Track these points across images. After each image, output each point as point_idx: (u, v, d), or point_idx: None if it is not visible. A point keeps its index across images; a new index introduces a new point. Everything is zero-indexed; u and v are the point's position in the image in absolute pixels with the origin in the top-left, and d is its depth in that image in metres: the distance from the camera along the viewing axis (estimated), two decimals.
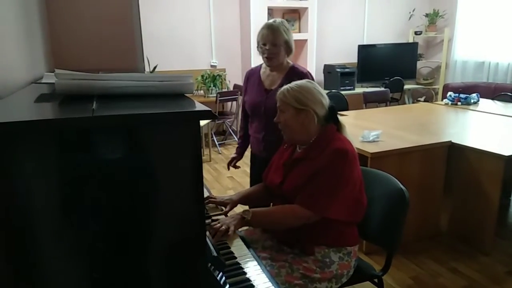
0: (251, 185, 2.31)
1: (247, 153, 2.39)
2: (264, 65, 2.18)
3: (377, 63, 6.14)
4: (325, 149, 1.51)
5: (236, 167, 2.38)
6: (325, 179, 1.47)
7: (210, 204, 1.72)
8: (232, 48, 5.61)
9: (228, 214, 1.60)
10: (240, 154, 2.36)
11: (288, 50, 2.07)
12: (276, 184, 1.62)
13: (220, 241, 1.42)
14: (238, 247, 1.40)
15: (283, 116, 1.57)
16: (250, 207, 2.34)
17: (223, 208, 1.68)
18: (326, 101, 1.59)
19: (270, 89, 2.11)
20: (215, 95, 4.87)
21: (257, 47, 2.11)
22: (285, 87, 1.59)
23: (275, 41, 2.00)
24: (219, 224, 1.42)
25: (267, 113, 2.07)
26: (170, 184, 0.86)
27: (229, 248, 1.39)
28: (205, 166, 4.58)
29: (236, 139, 4.98)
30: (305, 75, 2.07)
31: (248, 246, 1.42)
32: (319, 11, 5.71)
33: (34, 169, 0.75)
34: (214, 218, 1.58)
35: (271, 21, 2.07)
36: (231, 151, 2.47)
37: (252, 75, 2.23)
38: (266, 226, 1.62)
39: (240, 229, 1.51)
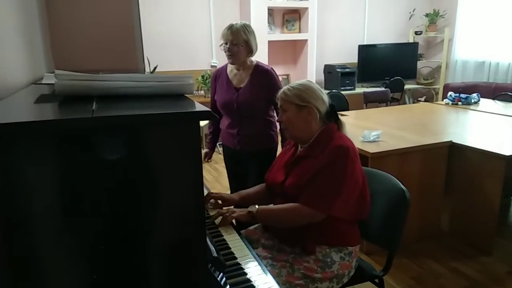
0: (228, 177, 2.54)
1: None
2: (230, 65, 2.29)
3: (378, 63, 6.14)
4: (327, 147, 1.53)
5: (210, 159, 2.67)
6: (328, 178, 1.49)
7: (211, 202, 1.74)
8: None
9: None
10: (211, 149, 2.65)
11: (249, 50, 2.19)
12: (279, 182, 1.63)
13: (220, 241, 1.42)
14: (238, 248, 1.40)
15: (285, 114, 1.62)
16: None
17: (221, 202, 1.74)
18: (327, 98, 1.64)
19: (239, 87, 2.24)
20: None
21: (219, 45, 2.24)
22: (285, 87, 1.64)
23: (234, 40, 2.13)
24: (225, 210, 1.56)
25: (240, 109, 2.23)
26: (170, 184, 0.86)
27: (230, 248, 1.39)
28: (205, 166, 4.58)
29: None
30: (269, 71, 2.24)
31: (248, 246, 1.41)
32: (319, 11, 5.70)
33: (33, 170, 0.75)
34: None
35: (234, 23, 2.19)
36: None
37: (220, 75, 2.35)
38: (270, 223, 1.63)
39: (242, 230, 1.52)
